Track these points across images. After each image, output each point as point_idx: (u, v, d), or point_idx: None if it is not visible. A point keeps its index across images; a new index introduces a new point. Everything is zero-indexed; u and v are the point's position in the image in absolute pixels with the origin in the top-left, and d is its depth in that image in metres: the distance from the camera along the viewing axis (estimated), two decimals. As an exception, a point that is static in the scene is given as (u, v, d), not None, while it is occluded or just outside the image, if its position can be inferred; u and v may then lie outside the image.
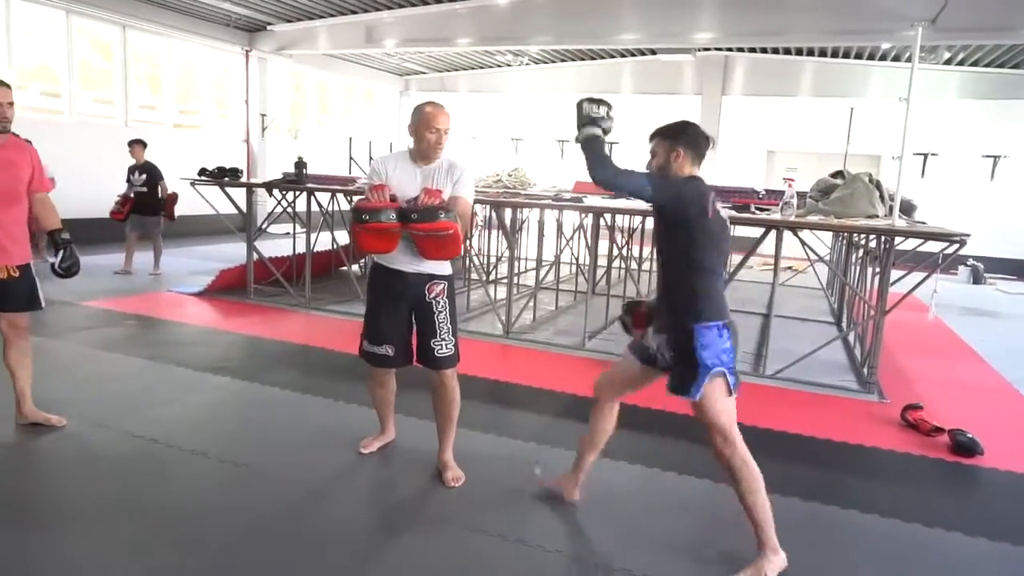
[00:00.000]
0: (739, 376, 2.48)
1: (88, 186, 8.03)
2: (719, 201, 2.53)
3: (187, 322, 5.72)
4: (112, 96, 10.82)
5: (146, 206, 7.66)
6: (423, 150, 2.90)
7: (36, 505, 2.74)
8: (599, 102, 2.58)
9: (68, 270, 3.32)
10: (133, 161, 7.70)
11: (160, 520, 2.65)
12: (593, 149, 2.52)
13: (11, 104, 3.12)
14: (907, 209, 5.76)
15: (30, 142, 3.45)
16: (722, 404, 2.43)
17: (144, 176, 7.64)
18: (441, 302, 2.97)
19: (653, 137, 2.59)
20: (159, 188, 7.70)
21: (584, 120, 2.56)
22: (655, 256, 2.62)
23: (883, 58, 12.97)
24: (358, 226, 2.82)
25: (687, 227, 2.42)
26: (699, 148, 2.53)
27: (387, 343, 3.01)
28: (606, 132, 2.57)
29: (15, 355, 3.34)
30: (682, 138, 2.51)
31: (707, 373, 2.39)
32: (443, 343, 2.97)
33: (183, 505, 2.78)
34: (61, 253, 3.30)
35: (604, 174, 2.46)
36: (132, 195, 7.64)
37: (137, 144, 7.74)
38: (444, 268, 3.01)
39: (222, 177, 6.84)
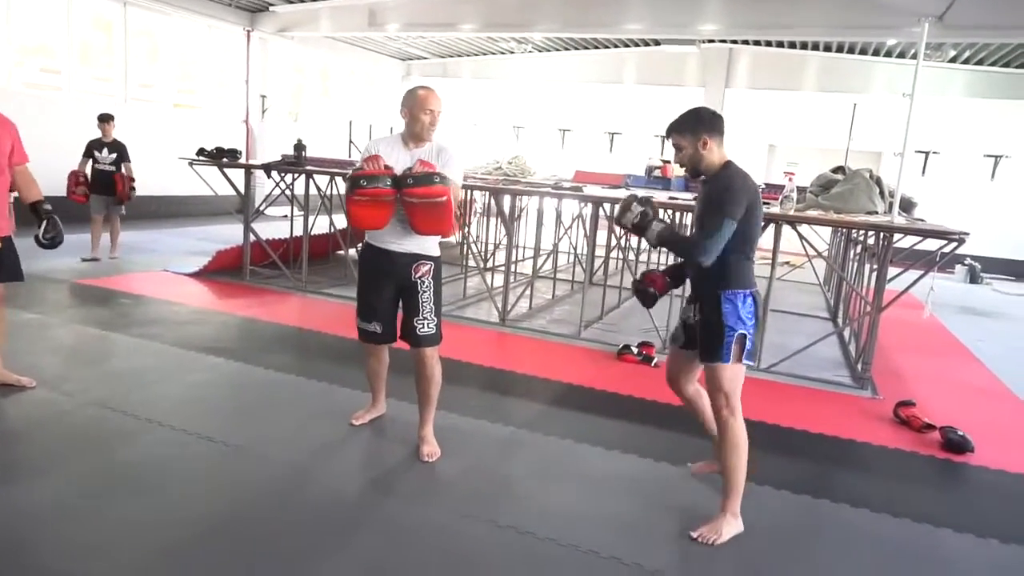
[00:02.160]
0: (756, 345, 2.64)
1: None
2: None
3: (182, 302, 5.70)
4: (111, 74, 10.74)
5: (113, 186, 7.12)
6: (416, 132, 2.97)
7: (26, 485, 2.73)
8: (637, 202, 2.69)
9: (52, 241, 3.35)
10: (99, 136, 7.15)
11: (154, 499, 2.65)
12: (674, 240, 2.68)
13: None
14: (907, 206, 5.76)
15: None
16: (733, 368, 2.60)
17: (115, 155, 7.11)
18: (426, 282, 3.04)
19: (671, 133, 2.66)
20: (125, 168, 7.18)
21: (640, 223, 2.66)
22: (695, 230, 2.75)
23: (888, 54, 12.91)
24: (354, 194, 2.85)
25: (744, 215, 2.53)
26: (720, 128, 2.63)
27: (375, 320, 3.12)
28: (654, 217, 2.69)
29: None
30: (703, 125, 2.61)
31: (732, 335, 2.56)
32: (425, 322, 3.05)
33: (176, 484, 2.78)
34: (45, 224, 3.32)
35: (707, 254, 2.52)
36: (89, 174, 7.04)
37: (109, 120, 7.21)
38: (431, 249, 3.07)
39: (220, 158, 6.80)
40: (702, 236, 2.56)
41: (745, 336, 2.58)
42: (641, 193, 2.76)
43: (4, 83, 9.25)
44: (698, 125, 2.61)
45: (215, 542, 2.41)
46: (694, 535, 2.61)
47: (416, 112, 2.94)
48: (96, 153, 7.12)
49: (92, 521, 2.46)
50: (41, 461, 2.90)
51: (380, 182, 2.82)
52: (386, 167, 2.88)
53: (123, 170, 7.21)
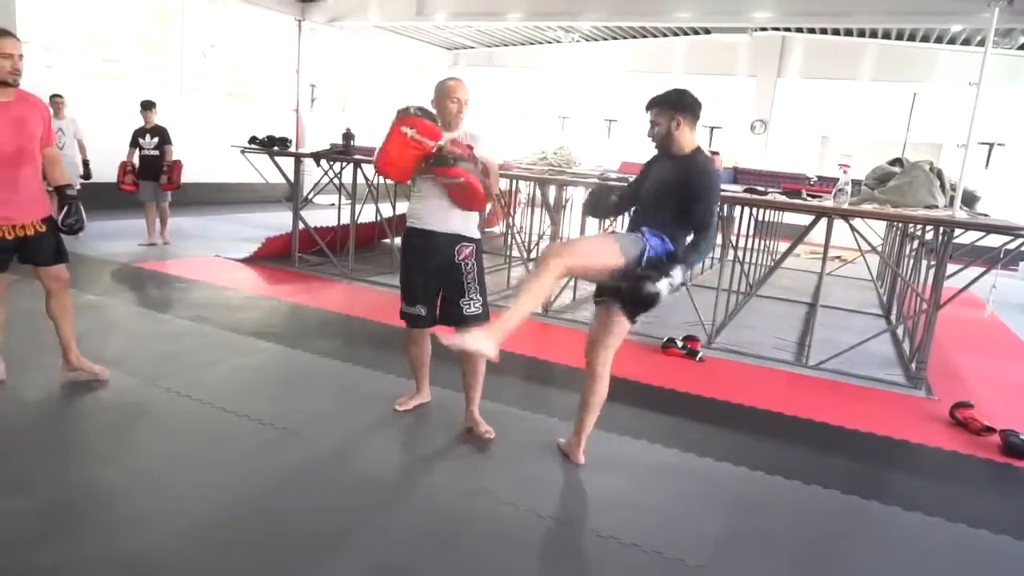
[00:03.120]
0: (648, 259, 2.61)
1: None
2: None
3: (232, 287, 5.85)
4: (167, 63, 11.04)
5: (158, 171, 7.24)
6: (446, 121, 3.06)
7: (82, 460, 2.85)
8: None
9: (72, 227, 3.32)
10: (142, 124, 7.27)
11: (203, 476, 2.73)
12: (693, 252, 2.75)
13: (21, 56, 3.09)
14: (969, 200, 5.52)
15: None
16: (604, 244, 2.72)
17: (156, 139, 7.21)
18: (469, 264, 3.09)
19: (650, 107, 2.78)
20: (166, 152, 7.25)
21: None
22: (645, 201, 2.86)
23: (951, 41, 12.38)
24: (400, 122, 2.94)
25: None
26: (696, 113, 2.75)
27: (419, 303, 3.16)
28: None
29: (57, 307, 3.41)
30: (680, 106, 2.73)
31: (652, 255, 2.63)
32: (471, 301, 3.10)
33: (224, 463, 2.85)
34: (66, 209, 3.30)
35: (707, 247, 2.73)
36: (136, 161, 7.21)
37: (151, 107, 7.32)
38: (472, 231, 3.13)
39: (271, 146, 6.93)
40: (711, 229, 2.72)
41: (645, 252, 2.60)
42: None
43: (70, 73, 9.59)
44: (676, 105, 2.73)
45: (260, 519, 2.47)
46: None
47: (444, 102, 3.05)
48: (140, 140, 7.28)
49: (143, 495, 2.55)
50: (97, 437, 3.02)
51: (428, 118, 2.94)
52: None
53: (165, 155, 7.24)
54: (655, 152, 2.90)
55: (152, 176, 7.28)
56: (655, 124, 2.77)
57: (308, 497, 2.64)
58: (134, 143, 7.29)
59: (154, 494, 2.57)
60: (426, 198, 3.06)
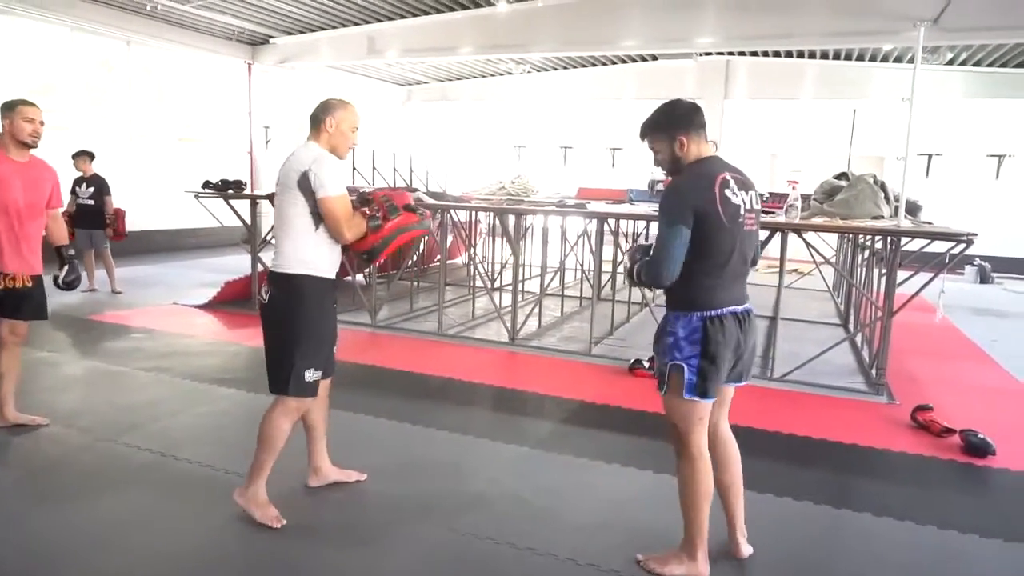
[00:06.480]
0: (707, 379, 2.26)
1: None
2: (733, 187, 2.26)
3: (193, 334, 5.72)
4: (116, 111, 10.88)
5: (93, 220, 7.23)
6: (344, 150, 2.78)
7: (43, 521, 2.73)
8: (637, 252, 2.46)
9: (71, 284, 3.54)
10: (79, 174, 7.24)
11: (168, 532, 2.64)
12: (639, 270, 2.38)
13: (42, 123, 3.43)
14: (912, 209, 5.74)
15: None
16: (674, 401, 2.32)
17: (92, 189, 7.22)
18: None
19: (644, 135, 2.38)
20: (106, 203, 7.28)
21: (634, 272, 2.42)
22: None
23: (885, 59, 12.95)
24: (409, 218, 2.83)
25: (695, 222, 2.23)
26: (698, 121, 2.31)
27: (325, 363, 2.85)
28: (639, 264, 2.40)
29: (8, 359, 3.47)
30: (678, 123, 2.30)
31: (666, 366, 2.31)
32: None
33: (190, 516, 2.77)
34: (66, 268, 3.51)
35: (662, 273, 2.24)
36: (73, 209, 7.08)
37: (84, 156, 7.28)
38: None
39: (226, 189, 6.86)
40: (654, 253, 2.26)
41: (682, 368, 2.26)
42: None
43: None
44: (671, 124, 2.30)
45: (227, 573, 2.39)
46: (640, 557, 2.49)
47: (347, 129, 2.75)
48: (77, 189, 7.27)
49: (109, 554, 2.45)
50: (57, 497, 2.89)
51: (392, 198, 2.87)
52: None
53: (106, 206, 7.27)
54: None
55: (87, 224, 7.25)
56: (656, 152, 2.36)
57: (283, 547, 2.57)
58: (72, 191, 7.24)
59: (119, 554, 2.47)
60: (331, 242, 2.74)
